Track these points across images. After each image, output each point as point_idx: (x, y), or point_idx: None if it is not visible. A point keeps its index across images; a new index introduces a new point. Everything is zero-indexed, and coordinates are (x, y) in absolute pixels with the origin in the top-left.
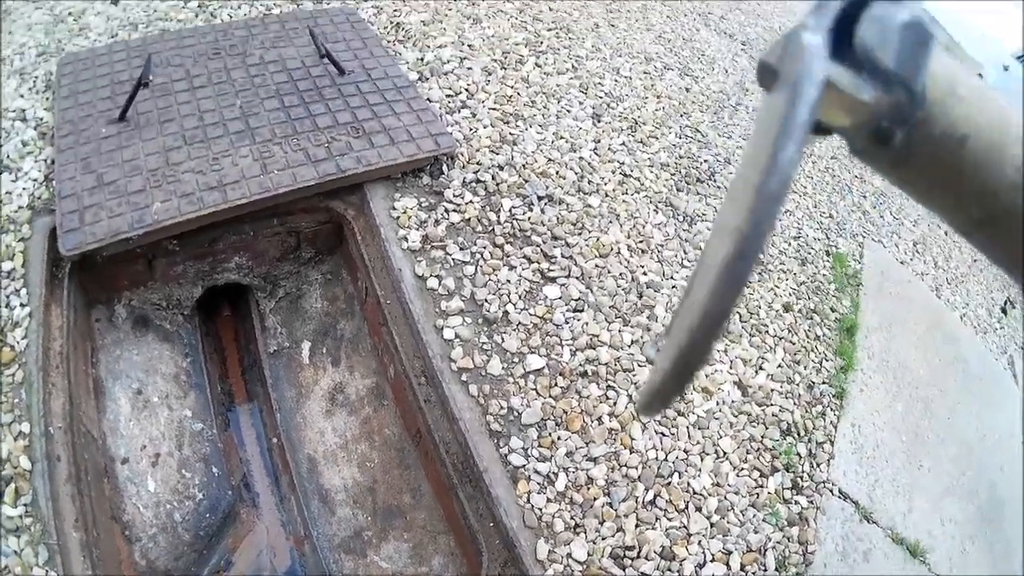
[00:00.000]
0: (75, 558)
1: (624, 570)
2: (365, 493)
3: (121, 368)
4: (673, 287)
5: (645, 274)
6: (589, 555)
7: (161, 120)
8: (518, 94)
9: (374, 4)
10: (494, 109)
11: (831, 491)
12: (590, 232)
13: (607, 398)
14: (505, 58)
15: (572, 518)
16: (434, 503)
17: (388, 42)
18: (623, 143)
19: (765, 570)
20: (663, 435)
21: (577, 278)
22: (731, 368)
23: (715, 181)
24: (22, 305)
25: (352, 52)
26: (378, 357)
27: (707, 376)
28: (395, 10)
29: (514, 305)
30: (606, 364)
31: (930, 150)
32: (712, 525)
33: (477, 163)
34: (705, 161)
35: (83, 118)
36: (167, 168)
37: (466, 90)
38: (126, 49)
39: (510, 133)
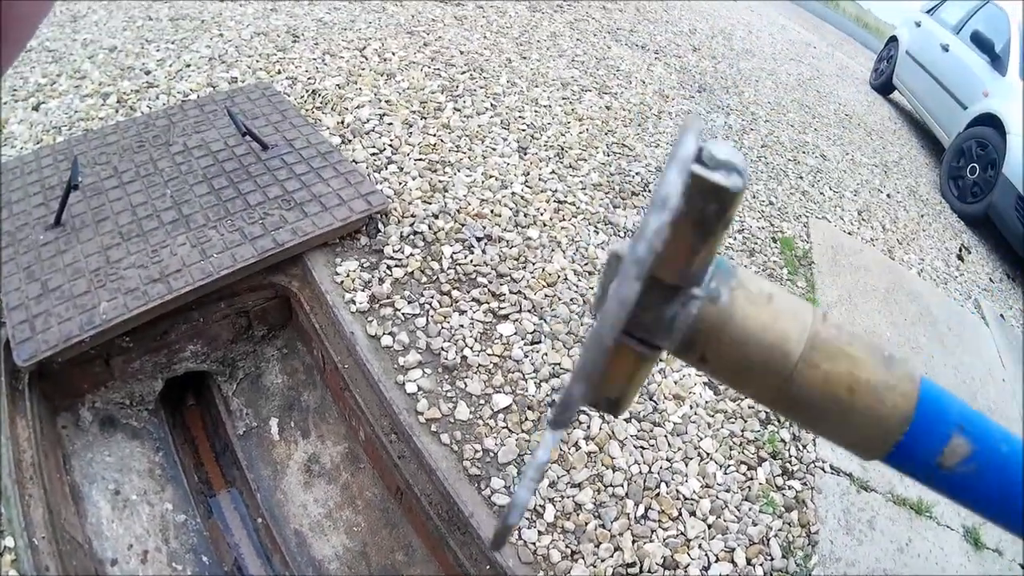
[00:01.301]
0: None
1: None
2: (358, 558)
3: (95, 471)
4: None
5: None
6: None
7: (96, 220)
8: (441, 141)
9: (287, 75)
10: (420, 160)
11: (823, 469)
12: (534, 264)
13: (580, 423)
14: (424, 108)
15: (567, 546)
16: (428, 557)
17: (307, 111)
18: (552, 171)
19: (772, 559)
20: (643, 448)
21: (529, 311)
22: (697, 371)
23: (649, 191)
24: None
25: (272, 126)
26: (346, 422)
27: (676, 383)
28: (309, 78)
29: (471, 348)
30: None
31: (724, 350)
32: (709, 526)
33: (412, 215)
34: (637, 174)
35: (20, 227)
36: (108, 267)
37: (390, 145)
38: (52, 153)
39: (439, 180)
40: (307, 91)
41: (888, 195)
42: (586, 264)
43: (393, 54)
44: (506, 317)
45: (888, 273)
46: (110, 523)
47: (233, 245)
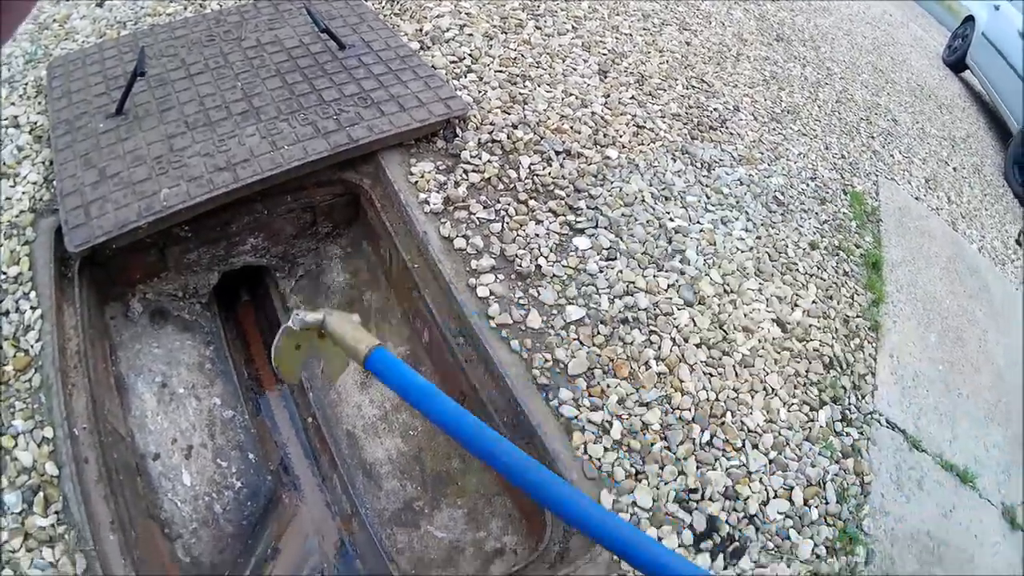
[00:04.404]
0: (115, 562)
1: (691, 513)
2: (412, 462)
3: (142, 363)
4: (701, 231)
5: (672, 220)
6: (654, 501)
7: (160, 109)
8: (522, 56)
9: None
10: (500, 71)
11: (879, 422)
12: (612, 183)
13: (651, 343)
14: (504, 23)
15: (632, 465)
16: (486, 465)
17: (384, 16)
18: (632, 96)
19: (827, 503)
20: (711, 375)
21: (605, 228)
22: (768, 306)
23: (727, 128)
24: (32, 308)
25: (350, 27)
26: (410, 324)
27: (745, 315)
28: None
29: (546, 258)
30: (645, 309)
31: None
32: (771, 461)
33: (491, 124)
34: (715, 110)
35: (79, 116)
36: (171, 155)
37: (470, 55)
38: (116, 46)
39: (519, 93)
40: None
41: (954, 168)
42: (663, 189)
43: None
44: (582, 231)
45: (951, 244)
46: (154, 416)
47: (305, 138)
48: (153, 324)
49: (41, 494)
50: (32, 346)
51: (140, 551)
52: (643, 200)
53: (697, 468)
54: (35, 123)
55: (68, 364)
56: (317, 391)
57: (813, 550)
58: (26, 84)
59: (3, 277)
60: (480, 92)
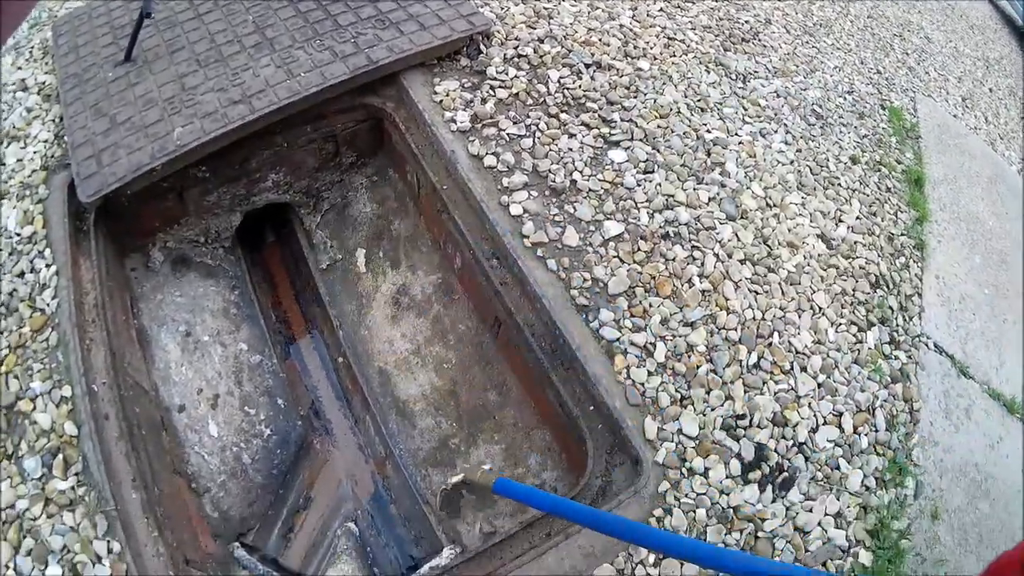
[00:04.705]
0: (137, 521)
1: (738, 441)
2: (446, 398)
3: (165, 313)
4: (740, 143)
5: (709, 132)
6: (700, 428)
7: (170, 51)
8: None
9: None
10: None
11: (927, 345)
12: (646, 95)
13: (693, 259)
14: None
15: (677, 390)
16: (523, 396)
17: None
18: (661, 8)
19: (877, 431)
20: (757, 293)
21: (641, 140)
22: (812, 221)
23: (760, 40)
24: (47, 266)
25: None
26: (441, 250)
27: (789, 230)
28: None
29: (580, 172)
30: (686, 224)
31: None
32: (819, 385)
33: (515, 39)
34: (746, 22)
35: (87, 68)
36: (183, 94)
37: None
38: None
39: (544, 8)
40: None
41: (990, 89)
42: (699, 100)
43: None
44: (617, 144)
45: (991, 164)
46: (179, 367)
47: (322, 64)
48: (175, 273)
49: (60, 456)
50: (48, 304)
51: (165, 507)
52: (679, 112)
53: (745, 392)
54: (43, 83)
55: (85, 319)
56: (347, 328)
57: (863, 481)
58: (32, 48)
59: (16, 239)
60: (503, 8)
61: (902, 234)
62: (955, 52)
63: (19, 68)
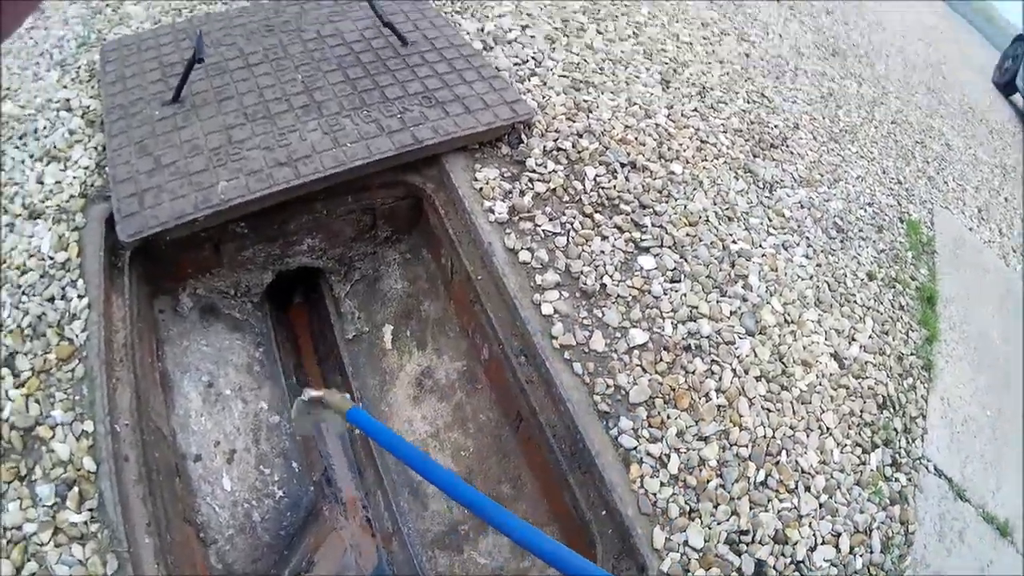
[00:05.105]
0: (148, 566)
1: (740, 556)
2: None
3: (189, 360)
4: (763, 255)
5: (735, 242)
6: (705, 541)
7: (219, 99)
8: (585, 61)
9: None
10: (563, 76)
11: (927, 467)
12: (677, 200)
13: (712, 373)
14: (566, 26)
15: (687, 502)
16: (537, 493)
17: (445, 13)
18: (695, 109)
19: (872, 552)
20: (769, 411)
21: (670, 247)
22: (826, 339)
23: (787, 147)
24: (79, 296)
25: (411, 23)
26: (469, 338)
27: (804, 348)
28: None
29: (611, 277)
30: (707, 337)
31: None
32: (821, 505)
33: (555, 131)
34: (776, 126)
35: (134, 102)
36: (230, 146)
37: (532, 58)
38: (172, 32)
39: (584, 100)
40: None
41: (1005, 199)
42: (727, 209)
43: None
44: (647, 250)
45: (1003, 280)
46: (198, 416)
47: (368, 136)
48: (203, 321)
49: (76, 489)
50: (77, 335)
51: (174, 556)
52: (707, 220)
53: (750, 509)
54: (87, 107)
55: (114, 357)
56: (367, 401)
57: None
58: (79, 67)
59: (50, 262)
60: (544, 97)
61: (912, 354)
62: (974, 159)
63: (64, 87)
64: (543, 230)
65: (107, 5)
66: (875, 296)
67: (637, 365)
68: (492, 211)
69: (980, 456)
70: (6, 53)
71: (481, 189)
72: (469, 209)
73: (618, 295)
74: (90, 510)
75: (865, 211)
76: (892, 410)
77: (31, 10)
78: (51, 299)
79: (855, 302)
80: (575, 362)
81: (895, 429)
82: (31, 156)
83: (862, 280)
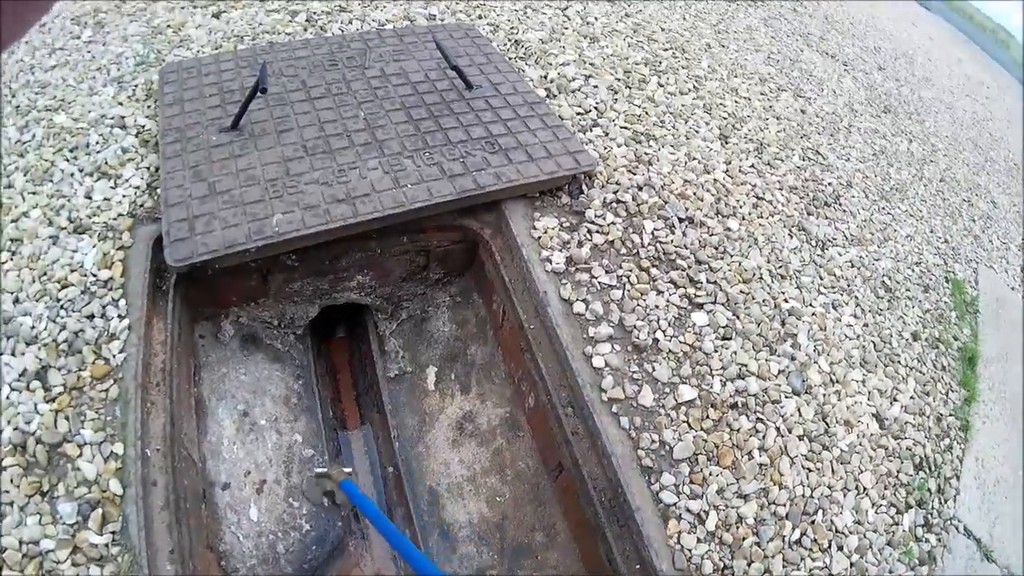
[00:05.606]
0: None
1: None
2: (492, 530)
3: (226, 388)
4: (813, 314)
5: (787, 301)
6: None
7: (279, 130)
8: (646, 113)
9: (489, 21)
10: (625, 128)
11: (957, 528)
12: (732, 256)
13: (756, 431)
14: (628, 77)
15: (721, 559)
16: (570, 543)
17: (510, 59)
18: (752, 165)
19: None
20: (809, 471)
21: (723, 304)
22: (869, 399)
23: (840, 205)
24: (120, 317)
25: (477, 67)
26: (514, 385)
27: (848, 408)
28: (512, 28)
29: (663, 332)
30: (755, 395)
31: None
32: (852, 565)
33: (616, 183)
34: (829, 184)
35: (191, 125)
36: (287, 179)
37: (595, 108)
38: (234, 59)
39: (644, 153)
40: (510, 40)
41: None
42: (780, 267)
43: (595, 19)
44: (701, 306)
45: None
46: (231, 444)
47: (430, 179)
48: (243, 350)
49: (99, 510)
50: (114, 356)
51: None
52: (761, 277)
53: (783, 567)
54: (142, 126)
55: (150, 381)
56: (404, 441)
57: None
58: (135, 86)
59: (92, 279)
60: (606, 148)
61: (950, 414)
62: (1019, 217)
63: (120, 104)
64: (599, 282)
65: (168, 26)
66: (918, 356)
67: (684, 421)
68: (549, 260)
69: (1009, 517)
70: (63, 64)
71: (539, 238)
72: (526, 257)
73: (669, 350)
74: (112, 533)
75: (912, 270)
76: (928, 471)
77: (38, 18)
78: (91, 316)
79: (899, 362)
80: (622, 416)
81: (929, 490)
82: (81, 170)
83: (907, 340)
